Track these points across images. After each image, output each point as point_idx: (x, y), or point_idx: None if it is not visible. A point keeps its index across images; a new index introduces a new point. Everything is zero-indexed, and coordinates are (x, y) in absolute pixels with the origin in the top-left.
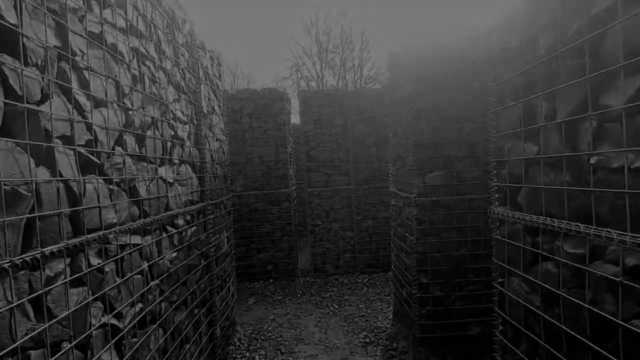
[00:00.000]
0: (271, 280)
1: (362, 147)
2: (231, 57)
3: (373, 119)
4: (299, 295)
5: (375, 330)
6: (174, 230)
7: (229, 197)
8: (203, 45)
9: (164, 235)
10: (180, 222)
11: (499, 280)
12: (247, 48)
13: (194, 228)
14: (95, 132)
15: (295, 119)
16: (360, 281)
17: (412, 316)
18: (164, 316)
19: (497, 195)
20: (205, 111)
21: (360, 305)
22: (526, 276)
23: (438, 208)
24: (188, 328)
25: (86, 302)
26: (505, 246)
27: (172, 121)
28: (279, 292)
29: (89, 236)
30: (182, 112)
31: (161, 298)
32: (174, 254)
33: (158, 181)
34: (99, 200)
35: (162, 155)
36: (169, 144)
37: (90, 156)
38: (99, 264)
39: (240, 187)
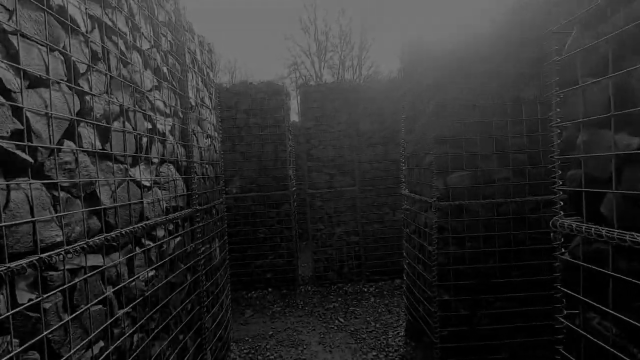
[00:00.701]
0: (270, 289)
1: (368, 146)
2: (229, 55)
3: (380, 114)
4: (300, 306)
5: (386, 349)
6: (152, 244)
7: (222, 201)
8: (191, 28)
9: (138, 250)
10: (161, 233)
11: (566, 313)
12: (244, 47)
13: (178, 239)
14: (28, 119)
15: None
16: (366, 290)
17: (431, 338)
18: (137, 351)
19: (562, 202)
20: (193, 103)
21: (367, 319)
22: (618, 315)
23: (461, 213)
24: (171, 359)
25: (9, 356)
26: (580, 271)
27: (149, 112)
28: (279, 303)
29: (12, 264)
30: (164, 103)
31: (133, 329)
32: (152, 273)
33: (129, 185)
34: (33, 213)
35: (136, 152)
36: (144, 139)
37: (19, 152)
38: (30, 300)
39: (236, 188)
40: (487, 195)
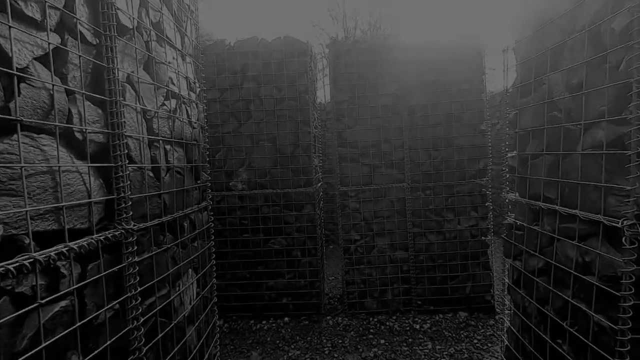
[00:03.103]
0: (286, 319)
1: (424, 127)
2: None
3: (443, 82)
4: (327, 350)
5: None
6: None
7: (206, 207)
8: None
9: None
10: None
11: None
12: (269, 33)
13: (65, 303)
14: None
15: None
16: (418, 327)
17: None
18: None
19: None
20: (126, 23)
21: None
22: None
23: None
24: None
25: None
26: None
27: None
28: (297, 341)
29: None
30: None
31: None
32: None
33: None
34: None
35: None
36: None
37: None
38: None
39: (241, 183)
40: None
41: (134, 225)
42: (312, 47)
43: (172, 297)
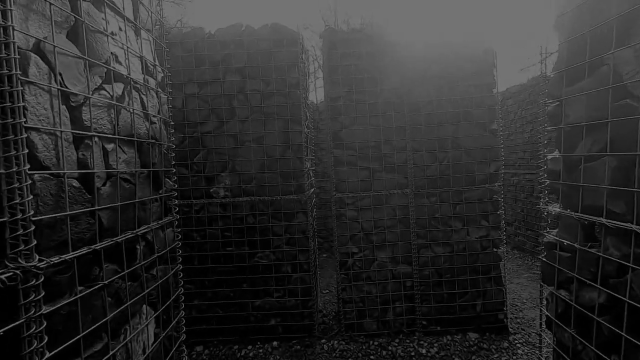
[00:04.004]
0: (275, 344)
1: (429, 126)
2: None
3: (450, 78)
4: None
5: None
6: None
7: (172, 221)
8: None
9: None
10: None
11: None
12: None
13: None
14: None
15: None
16: (425, 352)
17: None
18: None
19: None
20: None
21: None
22: None
23: None
24: None
25: None
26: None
27: None
28: None
29: None
30: None
31: None
32: None
33: None
34: None
35: None
36: None
37: None
38: None
39: (223, 189)
40: None
41: (40, 261)
42: (302, 36)
43: (112, 352)
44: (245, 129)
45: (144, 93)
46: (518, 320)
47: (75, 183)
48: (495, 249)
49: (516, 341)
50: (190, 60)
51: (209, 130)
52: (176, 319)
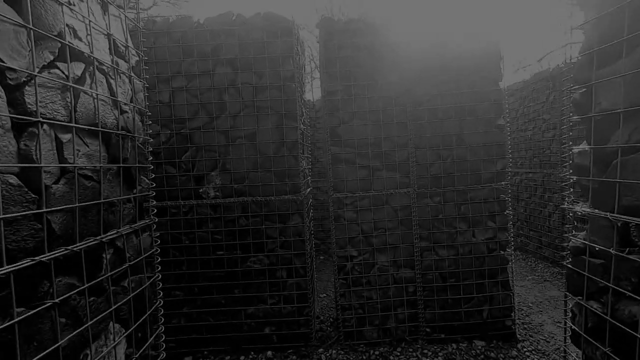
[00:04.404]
0: (269, 354)
1: (432, 122)
2: None
3: (455, 72)
4: None
5: None
6: None
7: (147, 227)
8: None
9: None
10: None
11: None
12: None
13: None
14: None
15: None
16: None
17: None
18: None
19: None
20: None
21: None
22: None
23: None
24: None
25: None
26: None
27: None
28: None
29: None
30: None
31: None
32: None
33: None
34: None
35: None
36: None
37: None
38: None
39: (213, 190)
40: None
41: None
42: (298, 26)
43: None
44: (237, 124)
45: (113, 77)
46: (525, 325)
47: (13, 179)
48: (502, 252)
49: (525, 349)
50: (178, 51)
51: (198, 126)
52: (153, 336)
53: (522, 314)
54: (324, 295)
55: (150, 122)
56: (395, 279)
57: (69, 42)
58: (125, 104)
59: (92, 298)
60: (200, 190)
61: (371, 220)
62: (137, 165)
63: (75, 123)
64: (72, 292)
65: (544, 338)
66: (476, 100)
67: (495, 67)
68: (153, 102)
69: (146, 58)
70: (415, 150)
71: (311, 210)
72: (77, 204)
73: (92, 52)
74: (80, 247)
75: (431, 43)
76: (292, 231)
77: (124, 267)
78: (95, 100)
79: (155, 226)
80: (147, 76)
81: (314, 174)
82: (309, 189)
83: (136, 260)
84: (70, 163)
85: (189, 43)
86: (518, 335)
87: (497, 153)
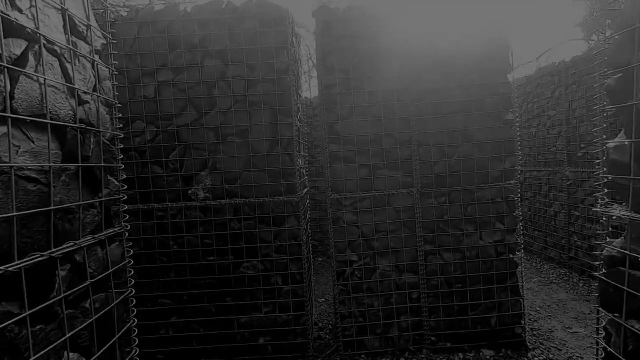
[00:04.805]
0: None
1: (436, 117)
2: None
3: (459, 61)
4: None
5: None
6: None
7: (116, 235)
8: None
9: None
10: None
11: None
12: None
13: None
14: None
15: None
16: None
17: None
18: None
19: None
20: None
21: None
22: None
23: None
24: None
25: None
26: None
27: None
28: None
29: None
30: None
31: None
32: None
33: None
34: None
35: None
36: None
37: None
38: None
39: (203, 191)
40: None
41: None
42: (292, 15)
43: None
44: (228, 121)
45: (69, 60)
46: (534, 332)
47: None
48: (511, 255)
49: (535, 358)
50: (163, 42)
51: (185, 123)
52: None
53: (530, 319)
54: (323, 299)
55: (120, 114)
56: (397, 285)
57: (0, 12)
58: (85, 92)
59: (38, 326)
60: (189, 192)
61: (372, 223)
62: (102, 164)
63: (12, 113)
64: (8, 323)
65: (555, 346)
66: (483, 94)
67: (503, 58)
68: (137, 97)
69: (115, 41)
70: (419, 147)
71: (308, 212)
72: (14, 213)
73: (37, 28)
74: (20, 265)
75: (436, 32)
76: (288, 234)
77: (83, 285)
78: (43, 86)
79: (127, 234)
80: (116, 62)
81: (312, 173)
82: (305, 189)
83: (101, 276)
84: (5, 162)
85: (176, 33)
86: (528, 343)
87: (505, 150)
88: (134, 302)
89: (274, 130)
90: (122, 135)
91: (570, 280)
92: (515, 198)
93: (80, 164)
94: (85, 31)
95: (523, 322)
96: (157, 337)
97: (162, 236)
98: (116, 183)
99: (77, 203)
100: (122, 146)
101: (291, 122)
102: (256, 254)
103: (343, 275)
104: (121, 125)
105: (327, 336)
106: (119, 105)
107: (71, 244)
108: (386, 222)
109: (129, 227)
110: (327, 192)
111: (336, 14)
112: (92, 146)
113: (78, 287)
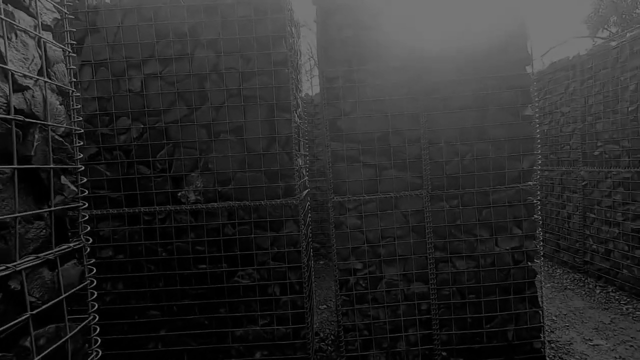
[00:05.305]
0: None
1: (448, 113)
2: None
3: (472, 50)
4: None
5: None
6: None
7: (73, 252)
8: None
9: None
10: None
11: None
12: None
13: None
14: None
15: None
16: None
17: None
18: None
19: None
20: None
21: None
22: None
23: None
24: None
25: None
26: None
27: None
28: None
29: None
30: None
31: None
32: None
33: None
34: None
35: None
36: None
37: None
38: None
39: (194, 193)
40: None
41: None
42: (290, 3)
43: None
44: (221, 117)
45: (7, 38)
46: (552, 344)
47: None
48: (529, 263)
49: None
50: (150, 31)
51: (175, 120)
52: None
53: (546, 329)
54: (324, 306)
55: (79, 105)
56: (405, 295)
57: None
58: (26, 75)
59: None
60: (179, 194)
61: (377, 228)
62: (51, 166)
63: None
64: None
65: None
66: (500, 87)
67: (521, 48)
68: (122, 92)
69: (72, 16)
70: (429, 145)
71: (309, 215)
72: None
73: None
74: None
75: (447, 20)
76: (287, 241)
77: (20, 318)
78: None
79: (88, 249)
80: (74, 42)
81: (313, 173)
82: (305, 191)
83: (49, 304)
84: None
85: (164, 21)
86: (547, 359)
87: (524, 148)
88: (98, 330)
89: (271, 127)
90: (82, 131)
91: (585, 287)
92: (535, 201)
93: (16, 166)
94: (27, 1)
95: (542, 335)
96: (145, 352)
97: (150, 242)
98: (73, 188)
99: (14, 215)
100: (81, 143)
101: (290, 118)
102: (252, 262)
103: (346, 284)
104: (80, 119)
105: (329, 348)
106: (77, 94)
107: (2, 267)
108: (393, 227)
109: (90, 240)
110: (328, 194)
111: (338, 2)
112: (36, 143)
113: (11, 324)
